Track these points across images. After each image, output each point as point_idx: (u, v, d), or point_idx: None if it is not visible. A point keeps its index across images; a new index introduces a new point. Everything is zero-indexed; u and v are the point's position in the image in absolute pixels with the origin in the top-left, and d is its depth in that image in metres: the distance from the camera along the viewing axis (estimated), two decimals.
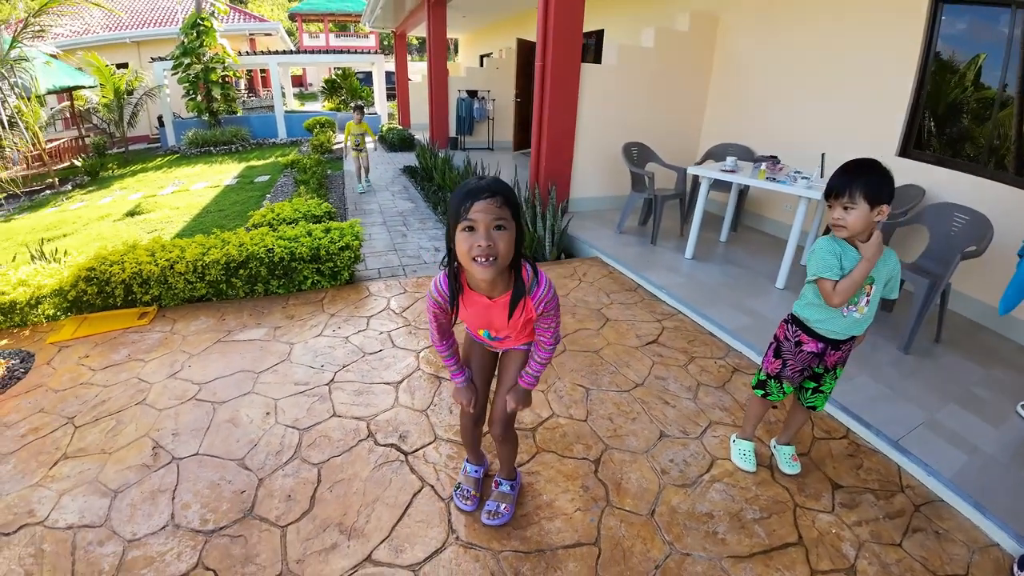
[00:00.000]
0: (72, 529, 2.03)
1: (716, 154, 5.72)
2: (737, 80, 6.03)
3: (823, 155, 4.31)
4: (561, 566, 1.92)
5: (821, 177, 4.15)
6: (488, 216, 1.43)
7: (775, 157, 4.55)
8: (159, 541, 1.98)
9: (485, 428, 2.12)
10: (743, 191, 5.53)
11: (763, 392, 2.31)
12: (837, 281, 1.91)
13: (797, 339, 2.14)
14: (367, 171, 8.24)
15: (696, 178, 4.70)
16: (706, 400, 2.91)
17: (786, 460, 2.43)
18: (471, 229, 1.44)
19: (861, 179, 1.83)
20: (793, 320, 2.16)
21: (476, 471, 2.21)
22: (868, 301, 1.97)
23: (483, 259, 1.44)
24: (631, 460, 2.44)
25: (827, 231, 2.00)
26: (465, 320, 1.75)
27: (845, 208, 1.86)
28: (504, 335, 1.79)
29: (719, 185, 5.08)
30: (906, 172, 4.28)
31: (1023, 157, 3.77)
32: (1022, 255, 2.78)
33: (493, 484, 2.18)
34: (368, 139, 8.17)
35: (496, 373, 1.99)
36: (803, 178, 4.01)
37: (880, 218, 1.86)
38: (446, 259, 1.59)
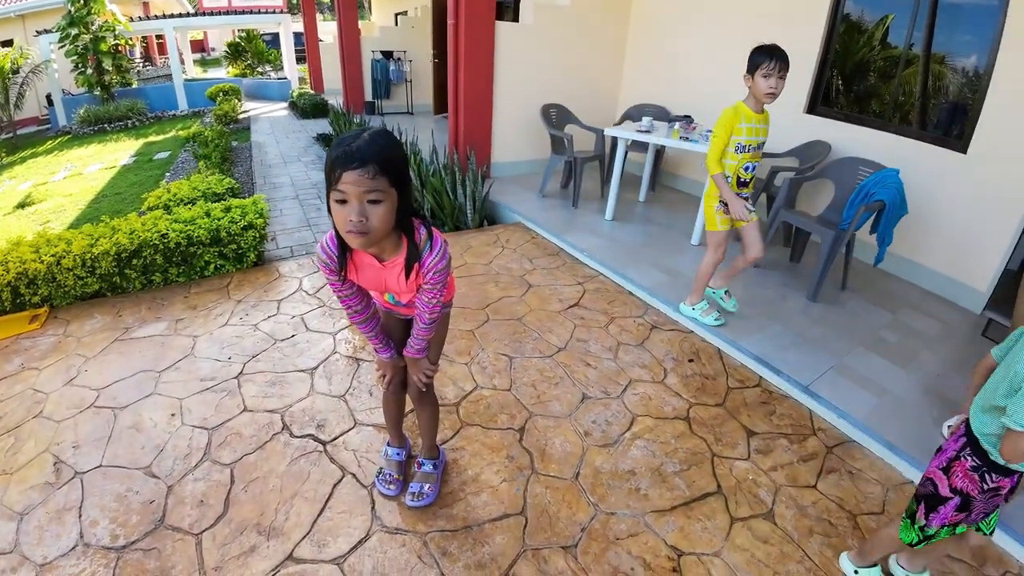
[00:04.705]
0: None
1: (633, 115, 5.72)
2: (652, 40, 6.02)
3: None
4: (489, 540, 1.93)
5: None
6: (359, 189, 1.27)
7: (689, 116, 4.60)
8: (70, 563, 1.85)
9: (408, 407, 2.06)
10: (660, 151, 5.59)
11: (928, 543, 1.69)
12: None
13: (996, 486, 1.56)
14: None
15: (614, 139, 4.70)
16: (626, 359, 2.97)
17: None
18: (342, 202, 1.30)
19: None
20: (992, 466, 1.53)
21: (398, 454, 2.17)
22: None
23: (355, 232, 1.32)
24: (555, 425, 2.48)
25: None
26: (363, 284, 1.63)
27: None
28: (407, 299, 1.69)
29: (637, 145, 5.11)
30: (813, 128, 4.42)
31: (927, 112, 3.96)
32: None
33: (415, 465, 2.15)
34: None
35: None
36: None
37: None
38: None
